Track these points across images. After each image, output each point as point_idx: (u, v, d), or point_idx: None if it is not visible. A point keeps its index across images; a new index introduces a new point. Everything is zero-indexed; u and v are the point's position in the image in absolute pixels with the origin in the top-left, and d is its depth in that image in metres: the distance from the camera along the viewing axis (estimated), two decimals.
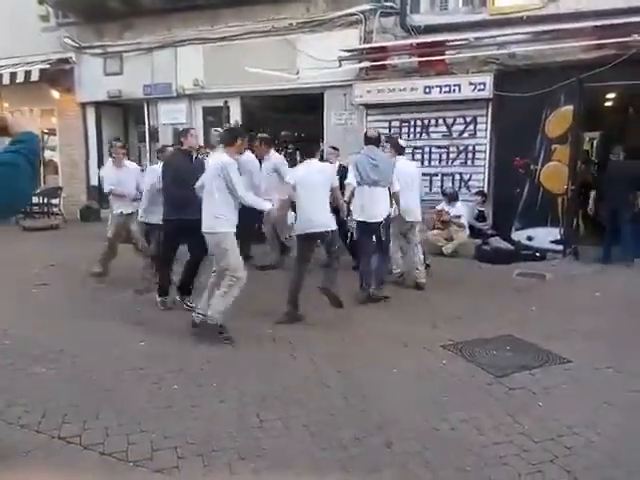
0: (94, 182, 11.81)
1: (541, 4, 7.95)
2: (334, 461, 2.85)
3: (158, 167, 5.94)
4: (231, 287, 4.60)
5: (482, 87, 8.40)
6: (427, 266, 6.84)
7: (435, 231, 8.57)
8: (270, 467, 2.77)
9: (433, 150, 9.26)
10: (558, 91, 8.00)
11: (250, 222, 7.25)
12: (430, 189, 9.31)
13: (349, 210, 5.78)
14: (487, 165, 8.92)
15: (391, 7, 9.02)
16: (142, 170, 7.03)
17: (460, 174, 9.13)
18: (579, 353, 4.31)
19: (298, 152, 10.47)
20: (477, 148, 8.95)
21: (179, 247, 5.71)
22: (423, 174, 9.22)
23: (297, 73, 9.34)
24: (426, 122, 9.20)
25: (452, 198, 8.52)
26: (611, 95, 9.35)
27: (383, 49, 8.97)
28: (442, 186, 9.17)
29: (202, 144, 9.83)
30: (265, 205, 4.89)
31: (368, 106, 9.36)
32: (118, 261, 6.65)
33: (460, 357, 4.36)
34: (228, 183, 4.51)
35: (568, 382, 3.85)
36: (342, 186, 5.61)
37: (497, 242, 8.39)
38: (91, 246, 7.04)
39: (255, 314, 5.18)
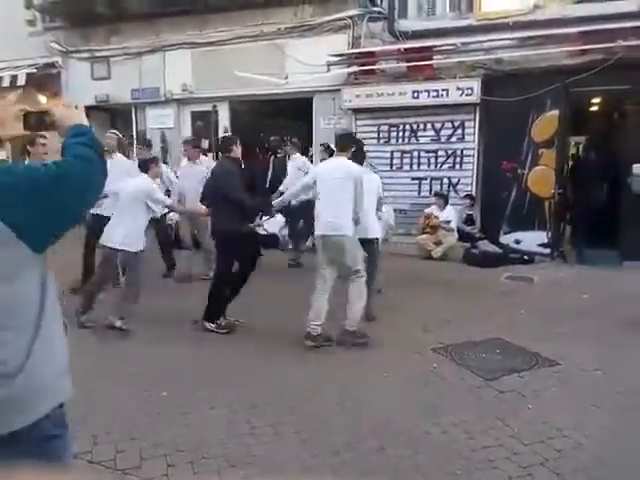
0: None
1: (527, 10, 8.04)
2: (326, 466, 2.85)
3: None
4: (361, 285, 4.67)
5: (470, 92, 8.47)
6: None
7: (424, 235, 8.62)
8: (260, 474, 2.76)
9: (422, 154, 9.30)
10: (544, 96, 8.08)
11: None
12: (419, 193, 9.37)
13: None
14: (475, 169, 8.98)
15: (379, 12, 9.07)
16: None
17: (449, 178, 9.18)
18: (567, 355, 4.35)
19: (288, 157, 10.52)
20: (465, 152, 9.01)
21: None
22: (412, 178, 9.36)
23: (286, 78, 9.35)
24: (415, 126, 9.25)
25: (445, 201, 8.61)
26: (597, 100, 9.46)
27: (371, 54, 9.01)
28: (431, 190, 9.23)
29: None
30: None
31: (357, 111, 9.39)
32: None
33: (450, 360, 4.38)
34: None
35: (557, 385, 3.89)
36: None
37: (485, 245, 8.44)
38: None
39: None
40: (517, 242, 8.75)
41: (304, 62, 9.32)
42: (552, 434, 3.18)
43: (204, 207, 5.38)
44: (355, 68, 9.12)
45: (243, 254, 5.00)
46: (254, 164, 10.10)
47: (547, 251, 8.45)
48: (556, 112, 8.17)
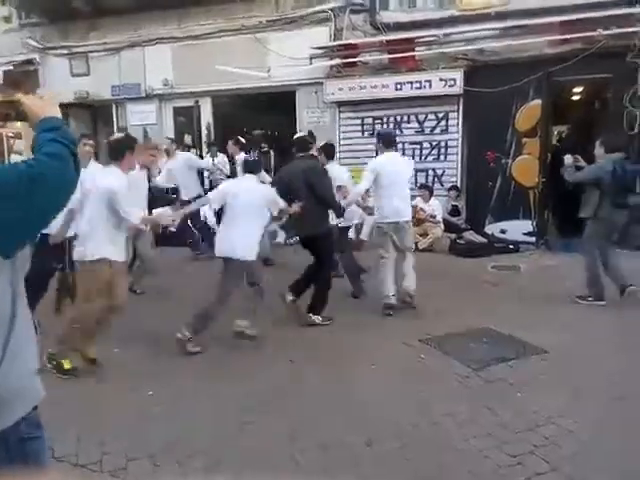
0: None
1: (508, 0, 8.03)
2: (314, 462, 2.82)
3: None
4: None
5: (452, 83, 8.46)
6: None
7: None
8: (249, 470, 2.72)
9: (406, 146, 9.26)
10: (526, 85, 8.10)
11: None
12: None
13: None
14: (460, 160, 8.99)
15: (360, 4, 9.00)
16: None
17: (434, 169, 9.18)
18: (555, 343, 4.36)
19: (272, 151, 10.44)
20: (449, 143, 9.01)
21: None
22: None
23: (268, 71, 9.26)
24: (398, 119, 9.22)
25: (430, 192, 8.62)
26: (578, 89, 9.53)
27: (353, 46, 8.96)
28: (416, 182, 9.21)
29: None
30: None
31: (340, 104, 9.34)
32: None
33: (438, 351, 4.38)
34: None
35: (545, 372, 3.90)
36: None
37: (471, 236, 8.47)
38: None
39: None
40: (503, 232, 8.79)
41: (286, 55, 9.23)
42: (541, 422, 3.18)
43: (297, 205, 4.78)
44: (337, 61, 9.07)
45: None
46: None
47: (532, 240, 8.50)
48: (539, 101, 8.20)
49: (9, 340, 1.31)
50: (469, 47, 8.28)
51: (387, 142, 5.58)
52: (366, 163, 6.02)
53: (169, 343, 4.40)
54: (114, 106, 11.36)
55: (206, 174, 9.40)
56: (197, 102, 10.50)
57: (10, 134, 13.11)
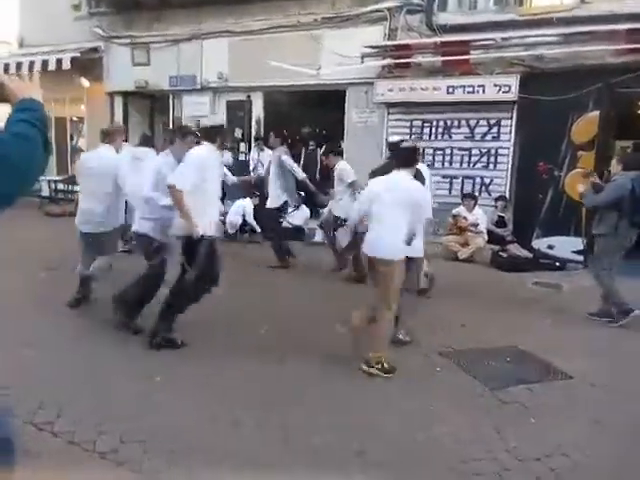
0: None
1: (573, 5, 7.65)
2: (302, 466, 2.75)
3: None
4: None
5: (507, 89, 8.15)
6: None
7: (450, 236, 8.36)
8: (234, 469, 2.69)
9: (455, 152, 9.04)
10: (586, 96, 7.68)
11: None
12: (450, 192, 9.10)
13: None
14: (509, 169, 8.66)
15: (418, 5, 8.82)
16: None
17: (481, 177, 8.89)
18: (582, 369, 4.09)
19: (320, 149, 10.41)
20: (500, 152, 8.69)
21: None
22: (444, 176, 9.09)
23: (318, 69, 9.22)
24: (448, 123, 8.98)
25: (474, 202, 8.34)
26: None
27: (407, 47, 8.80)
28: (462, 189, 8.96)
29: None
30: None
31: (389, 105, 9.19)
32: None
33: (456, 366, 4.20)
34: None
35: (565, 399, 3.67)
36: None
37: (516, 249, 8.14)
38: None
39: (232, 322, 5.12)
40: (550, 247, 8.39)
41: (339, 53, 9.18)
42: (550, 451, 2.98)
43: None
44: (389, 61, 8.92)
45: None
46: None
47: (581, 258, 8.05)
48: (597, 113, 7.76)
49: None
50: (527, 52, 7.94)
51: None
52: None
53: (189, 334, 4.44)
54: (171, 96, 11.66)
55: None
56: (249, 97, 10.62)
57: (75, 118, 13.78)
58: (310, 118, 10.87)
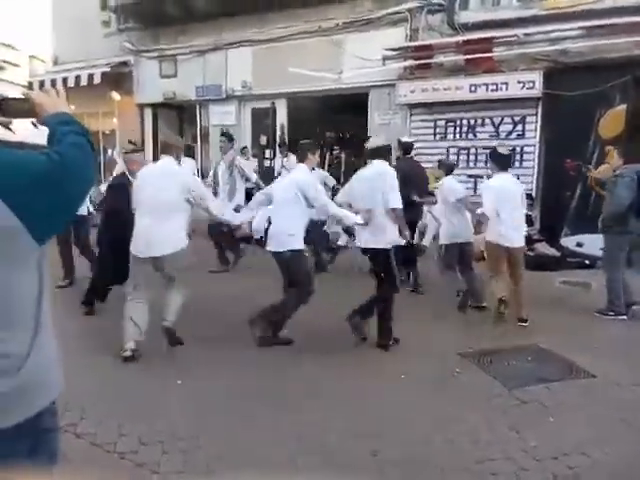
0: None
1: None
2: (315, 466, 2.80)
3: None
4: None
5: (531, 85, 8.04)
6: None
7: (477, 236, 8.25)
8: (249, 468, 2.75)
9: (479, 151, 8.94)
10: (612, 89, 7.52)
11: None
12: (475, 191, 9.00)
13: None
14: (536, 167, 8.53)
15: (439, 4, 8.80)
16: None
17: None
18: (606, 369, 4.01)
19: (343, 153, 10.48)
20: (525, 149, 8.57)
21: None
22: (469, 175, 9.01)
23: (340, 73, 9.28)
24: (472, 122, 8.92)
25: None
26: None
27: (428, 47, 8.78)
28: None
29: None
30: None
31: (412, 106, 9.18)
32: None
33: (476, 366, 4.17)
34: None
35: (586, 398, 3.60)
36: None
37: (543, 248, 8.00)
38: None
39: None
40: (579, 245, 8.21)
41: (361, 57, 9.23)
42: (569, 450, 2.94)
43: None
44: (411, 62, 8.91)
45: None
46: None
47: None
48: (624, 107, 7.57)
49: (38, 330, 1.32)
50: (551, 47, 7.82)
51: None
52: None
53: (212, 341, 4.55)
54: (198, 106, 11.91)
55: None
56: (273, 103, 10.75)
57: (107, 131, 14.19)
58: (333, 122, 10.94)
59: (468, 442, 3.06)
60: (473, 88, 8.49)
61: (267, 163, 10.68)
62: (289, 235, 4.43)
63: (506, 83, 8.23)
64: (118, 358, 4.10)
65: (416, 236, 7.01)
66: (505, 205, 5.14)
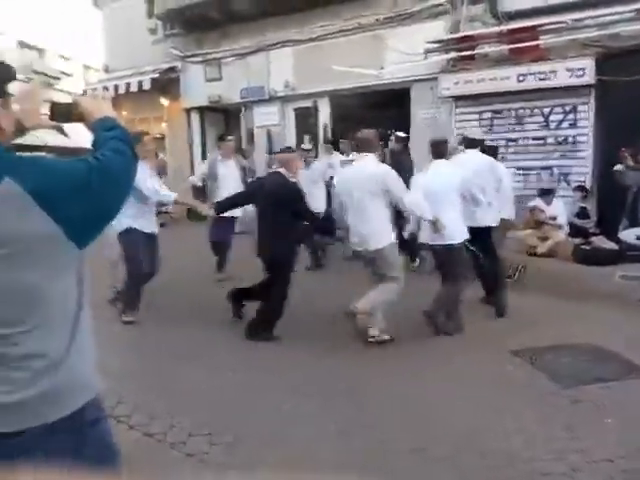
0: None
1: None
2: (352, 461, 2.79)
3: None
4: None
5: (581, 73, 7.72)
6: None
7: (528, 230, 8.01)
8: (289, 461, 2.76)
9: (529, 142, 8.68)
10: None
11: None
12: (525, 184, 8.74)
13: None
14: (591, 157, 8.17)
15: None
16: None
17: (559, 168, 8.46)
18: None
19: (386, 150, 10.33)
20: (578, 139, 8.23)
21: None
22: (518, 168, 8.73)
23: (381, 69, 9.20)
24: (520, 112, 8.64)
25: (551, 196, 7.94)
26: None
27: (471, 38, 8.56)
28: (539, 181, 8.57)
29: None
30: None
31: (456, 98, 8.99)
32: None
33: (528, 364, 4.04)
34: None
35: None
36: None
37: (600, 241, 7.65)
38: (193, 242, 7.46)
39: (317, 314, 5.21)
40: (639, 238, 7.80)
41: (402, 52, 9.11)
42: (626, 453, 2.80)
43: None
44: (453, 54, 8.73)
45: None
46: None
47: None
48: None
49: (76, 331, 1.35)
50: (602, 32, 7.47)
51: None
52: None
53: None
54: (243, 109, 12.06)
55: None
56: (315, 102, 10.77)
57: (158, 135, 14.59)
58: (375, 118, 10.81)
59: (520, 440, 2.96)
60: (521, 78, 8.23)
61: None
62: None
63: (555, 71, 7.93)
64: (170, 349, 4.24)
65: None
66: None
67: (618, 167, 5.53)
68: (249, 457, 2.81)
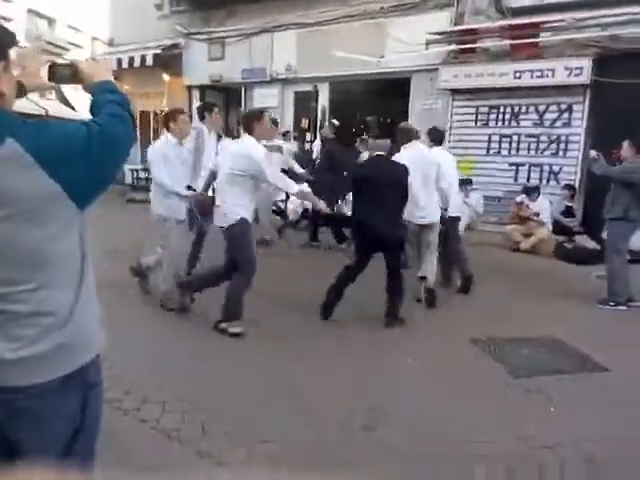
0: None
1: None
2: (310, 441, 2.89)
3: None
4: None
5: (579, 72, 7.74)
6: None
7: (513, 225, 8.10)
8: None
9: (522, 139, 8.73)
10: None
11: None
12: (516, 179, 8.81)
13: None
14: (580, 157, 8.23)
15: None
16: None
17: (550, 165, 8.52)
18: (622, 363, 3.89)
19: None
20: (571, 138, 8.28)
21: None
22: (510, 163, 8.80)
23: (381, 57, 9.21)
24: (516, 109, 8.69)
25: (537, 193, 8.00)
26: None
27: (473, 31, 8.57)
28: (529, 178, 8.63)
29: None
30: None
31: (454, 91, 9.01)
32: None
33: (487, 354, 4.15)
34: None
35: (595, 391, 3.53)
36: None
37: (583, 241, 7.74)
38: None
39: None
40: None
41: (405, 41, 9.13)
42: (564, 441, 2.91)
43: None
44: (454, 46, 8.73)
45: None
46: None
47: None
48: None
49: (81, 290, 1.40)
50: (601, 33, 7.47)
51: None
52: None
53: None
54: (243, 89, 12.10)
55: None
56: (316, 87, 10.79)
57: (158, 111, 14.60)
58: (375, 106, 10.87)
59: (461, 426, 3.06)
60: (518, 74, 8.25)
61: (307, 146, 10.76)
62: None
63: (552, 70, 7.95)
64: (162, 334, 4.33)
65: None
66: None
67: (592, 154, 5.60)
68: (245, 445, 2.79)
